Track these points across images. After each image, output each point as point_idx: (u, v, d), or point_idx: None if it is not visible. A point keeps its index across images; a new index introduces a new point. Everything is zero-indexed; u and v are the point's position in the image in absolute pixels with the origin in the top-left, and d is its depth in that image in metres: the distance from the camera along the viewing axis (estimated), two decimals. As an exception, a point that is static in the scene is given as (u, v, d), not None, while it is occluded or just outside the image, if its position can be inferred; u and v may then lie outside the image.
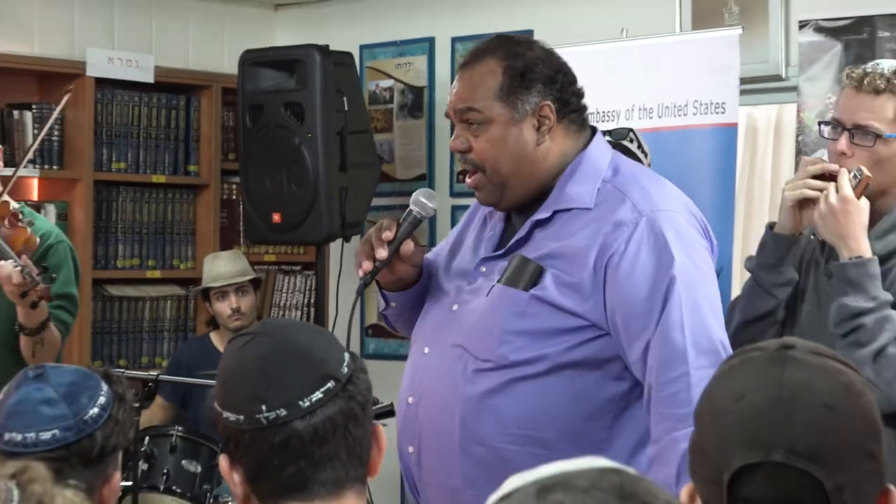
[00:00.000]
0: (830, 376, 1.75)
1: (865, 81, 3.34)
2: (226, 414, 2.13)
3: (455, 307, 3.21)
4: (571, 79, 3.23)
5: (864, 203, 3.22)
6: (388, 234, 3.14)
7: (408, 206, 3.34)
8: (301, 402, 2.10)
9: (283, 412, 2.09)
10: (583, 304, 3.07)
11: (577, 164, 3.20)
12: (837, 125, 3.36)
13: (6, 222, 4.76)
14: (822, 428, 1.70)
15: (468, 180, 3.22)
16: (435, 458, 3.15)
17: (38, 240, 4.80)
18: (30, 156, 5.33)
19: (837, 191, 3.22)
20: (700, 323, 3.05)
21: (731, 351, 3.01)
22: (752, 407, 1.72)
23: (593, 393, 3.11)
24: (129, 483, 5.20)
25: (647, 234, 3.07)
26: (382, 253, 3.12)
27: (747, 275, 3.65)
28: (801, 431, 1.69)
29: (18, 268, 4.46)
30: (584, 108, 3.27)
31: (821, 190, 3.30)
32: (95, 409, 2.50)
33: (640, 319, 3.04)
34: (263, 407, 2.09)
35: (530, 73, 3.16)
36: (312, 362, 2.16)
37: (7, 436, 2.44)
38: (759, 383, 1.74)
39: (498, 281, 3.15)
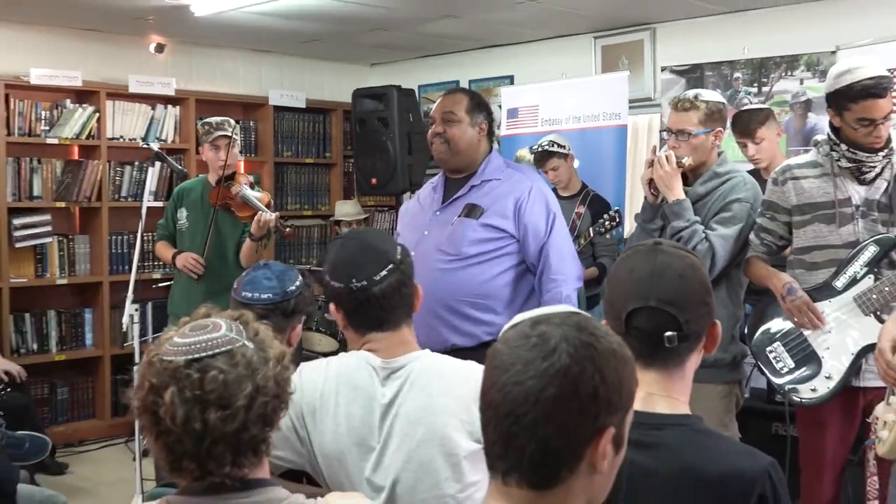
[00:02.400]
0: (682, 259, 1.75)
1: (679, 105, 3.30)
2: (333, 282, 2.21)
3: (426, 232, 3.28)
4: (493, 118, 3.44)
5: (677, 172, 3.22)
6: None
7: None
8: (374, 278, 2.18)
9: (364, 283, 2.17)
10: (506, 223, 3.23)
11: (491, 158, 3.36)
12: (670, 131, 3.32)
13: (251, 184, 4.79)
14: (677, 288, 1.71)
15: (438, 146, 3.32)
16: (426, 308, 3.24)
17: (270, 200, 4.84)
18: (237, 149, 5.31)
19: (668, 162, 3.23)
20: (567, 239, 3.35)
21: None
22: (638, 276, 1.73)
23: (507, 271, 3.24)
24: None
25: (537, 193, 3.28)
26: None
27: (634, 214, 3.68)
28: (665, 290, 1.70)
29: (273, 217, 4.50)
30: (494, 132, 3.46)
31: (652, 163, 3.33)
32: (293, 287, 2.58)
33: (539, 235, 3.24)
34: (354, 280, 2.17)
35: (479, 105, 3.34)
36: (379, 253, 2.22)
37: (243, 294, 2.53)
38: (642, 263, 1.75)
39: (460, 215, 3.25)
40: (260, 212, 4.52)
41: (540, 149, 4.94)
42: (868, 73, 2.88)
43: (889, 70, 3.02)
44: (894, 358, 2.48)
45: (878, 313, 2.95)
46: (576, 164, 5.07)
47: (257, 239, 4.56)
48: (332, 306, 2.25)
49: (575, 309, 1.38)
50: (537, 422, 1.25)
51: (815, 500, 3.11)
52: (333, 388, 2.18)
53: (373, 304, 2.17)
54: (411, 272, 2.27)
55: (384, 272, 2.18)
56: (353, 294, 2.17)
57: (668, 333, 1.68)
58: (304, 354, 5.42)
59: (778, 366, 3.12)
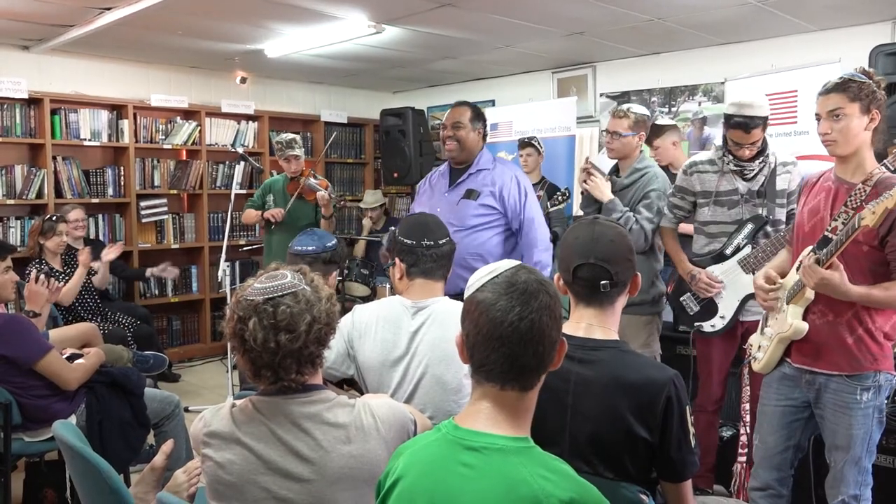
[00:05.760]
0: (612, 229, 1.73)
1: (616, 113, 3.26)
2: (405, 240, 2.18)
3: (438, 209, 3.16)
4: (487, 124, 3.29)
5: (604, 181, 3.16)
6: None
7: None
8: (439, 241, 2.18)
9: (431, 243, 2.16)
10: (496, 202, 3.12)
11: (483, 153, 3.23)
12: (607, 132, 3.27)
13: (313, 176, 4.86)
14: (609, 249, 1.69)
15: (451, 145, 3.19)
16: None
17: (328, 184, 4.82)
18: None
19: (594, 176, 3.20)
20: (537, 209, 3.17)
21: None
22: (582, 241, 1.71)
23: (495, 236, 3.14)
24: (339, 278, 5.24)
25: (516, 180, 3.15)
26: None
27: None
28: (601, 250, 1.68)
29: (328, 195, 4.52)
30: (487, 134, 3.31)
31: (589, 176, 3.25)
32: (330, 243, 2.54)
33: (516, 211, 3.12)
34: (425, 239, 2.16)
35: (478, 115, 3.21)
36: (441, 228, 2.24)
37: (296, 248, 2.50)
38: (585, 231, 1.72)
39: (462, 198, 3.15)
40: (321, 193, 4.64)
41: (527, 138, 4.94)
42: (744, 112, 2.85)
43: (769, 94, 3.01)
44: (763, 283, 2.43)
45: (755, 272, 2.96)
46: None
47: (328, 217, 4.70)
48: (397, 259, 2.20)
49: (519, 262, 1.38)
50: (537, 341, 1.26)
51: (707, 397, 3.15)
52: (374, 321, 2.17)
53: (431, 258, 2.17)
54: (455, 249, 2.27)
55: (444, 240, 2.19)
56: (422, 249, 2.16)
57: (603, 282, 1.66)
58: (345, 297, 5.42)
59: (688, 310, 3.15)
